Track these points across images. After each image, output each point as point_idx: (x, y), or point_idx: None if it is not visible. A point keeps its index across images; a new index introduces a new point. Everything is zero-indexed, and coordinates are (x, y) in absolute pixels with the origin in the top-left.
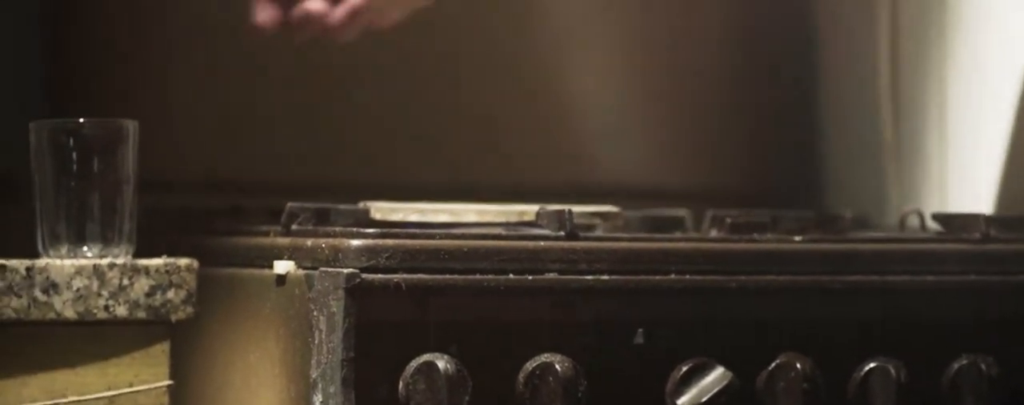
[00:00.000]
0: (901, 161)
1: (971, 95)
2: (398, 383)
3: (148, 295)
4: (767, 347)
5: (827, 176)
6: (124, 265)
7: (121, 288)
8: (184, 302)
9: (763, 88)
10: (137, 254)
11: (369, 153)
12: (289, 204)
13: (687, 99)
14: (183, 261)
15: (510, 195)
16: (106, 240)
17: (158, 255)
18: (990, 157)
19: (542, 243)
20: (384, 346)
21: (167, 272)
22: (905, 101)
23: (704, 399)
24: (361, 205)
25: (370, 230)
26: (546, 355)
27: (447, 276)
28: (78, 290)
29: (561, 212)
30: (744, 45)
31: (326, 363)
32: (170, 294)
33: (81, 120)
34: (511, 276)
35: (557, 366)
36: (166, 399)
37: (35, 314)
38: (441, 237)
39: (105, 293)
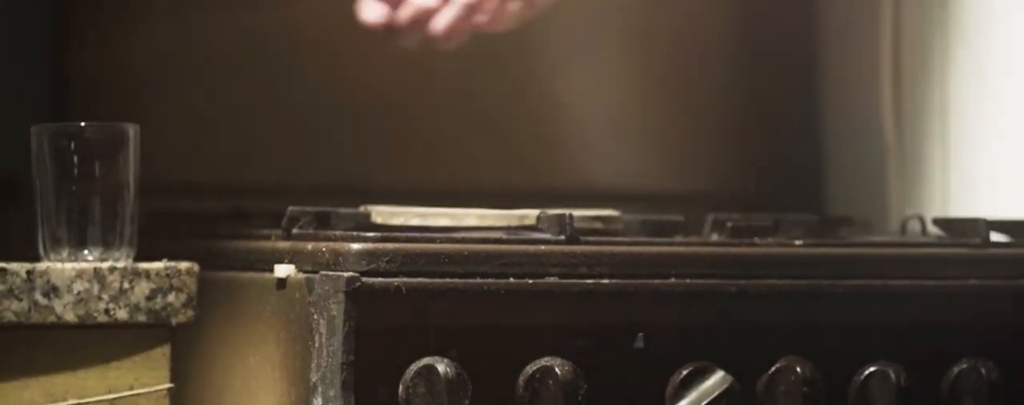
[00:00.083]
0: (903, 166)
1: (973, 100)
2: (398, 387)
3: (149, 298)
4: (767, 351)
5: (828, 180)
6: (125, 269)
7: (122, 291)
8: (185, 306)
9: (765, 93)
10: (138, 258)
11: (370, 157)
12: (290, 208)
13: (689, 104)
14: (184, 265)
15: (511, 199)
16: (107, 244)
17: (159, 259)
18: (992, 162)
19: (542, 247)
20: (384, 350)
21: (168, 276)
22: (907, 106)
23: (704, 403)
24: (362, 209)
25: (370, 234)
26: (546, 359)
27: (447, 280)
28: (79, 293)
29: (561, 216)
30: (746, 50)
31: (326, 367)
32: (171, 298)
33: (82, 124)
34: (511, 280)
35: (557, 370)
36: (166, 402)
37: (36, 317)
38: (441, 241)
39: (106, 296)
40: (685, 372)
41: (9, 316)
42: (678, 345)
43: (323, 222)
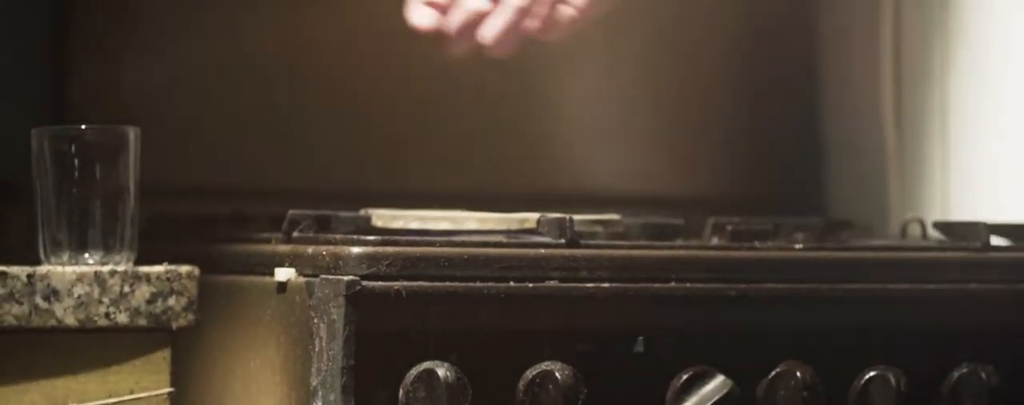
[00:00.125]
0: (903, 169)
1: (973, 101)
2: (398, 391)
3: (149, 302)
4: (768, 355)
5: (829, 184)
6: (125, 272)
7: (122, 295)
8: (185, 309)
9: (766, 96)
10: (139, 261)
11: (371, 161)
12: (290, 211)
13: (690, 107)
14: (184, 268)
15: (511, 203)
16: (107, 247)
17: (159, 262)
18: (992, 164)
19: (543, 251)
20: (384, 354)
21: (168, 279)
22: (907, 109)
23: None
24: (362, 212)
25: (371, 238)
26: (546, 363)
27: (447, 284)
28: (79, 297)
29: (562, 220)
30: (747, 53)
31: (326, 370)
32: (171, 301)
33: (82, 127)
34: (511, 284)
35: (557, 374)
36: None
37: (36, 321)
38: (441, 245)
39: (106, 300)
40: (685, 376)
41: (9, 320)
42: (678, 349)
43: (323, 226)
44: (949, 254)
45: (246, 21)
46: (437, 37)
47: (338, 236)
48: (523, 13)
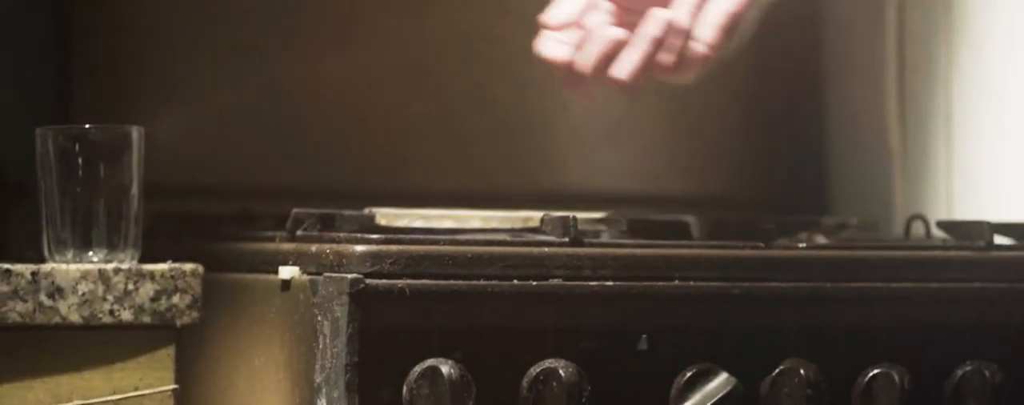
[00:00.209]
0: (907, 169)
1: (977, 103)
2: (402, 388)
3: (153, 300)
4: (771, 353)
5: (833, 183)
6: (129, 270)
7: (126, 293)
8: (189, 307)
9: (769, 95)
10: (143, 259)
11: (375, 160)
12: (294, 210)
13: (694, 106)
14: (188, 266)
15: (515, 201)
16: (112, 245)
17: (164, 260)
18: (996, 165)
19: (546, 249)
20: (388, 351)
21: (172, 277)
22: (911, 109)
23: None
24: (366, 211)
25: (374, 236)
26: (550, 361)
27: (451, 282)
28: (83, 295)
29: (565, 218)
30: (750, 52)
31: (330, 368)
32: (175, 299)
33: (87, 126)
34: (515, 282)
35: (561, 372)
36: (171, 403)
37: (40, 318)
38: (445, 243)
39: (110, 298)
40: (689, 374)
41: (14, 317)
42: (682, 347)
43: (327, 224)
44: (952, 253)
45: (251, 21)
46: (567, 76)
47: (342, 234)
48: (657, 45)
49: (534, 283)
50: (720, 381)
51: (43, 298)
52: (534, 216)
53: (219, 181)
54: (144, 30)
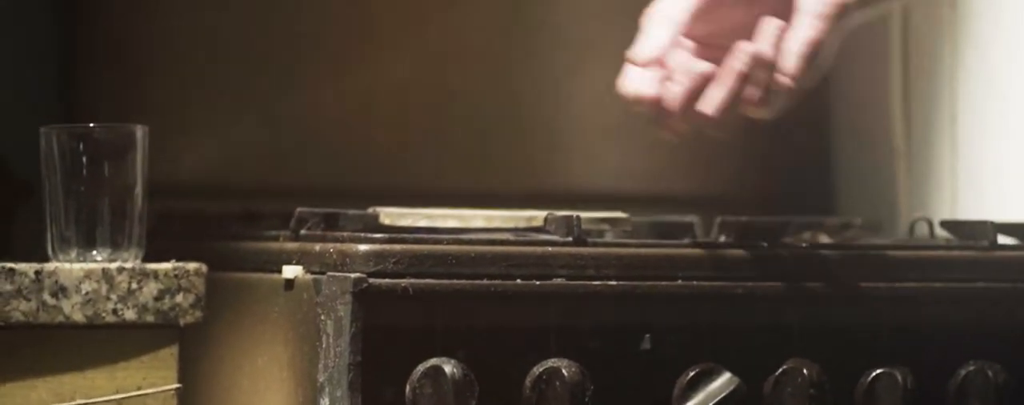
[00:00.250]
0: (912, 169)
1: (982, 103)
2: (405, 387)
3: (157, 299)
4: (774, 353)
5: (837, 183)
6: (133, 269)
7: (130, 292)
8: (193, 306)
9: None
10: (147, 258)
11: (379, 159)
12: (298, 209)
13: None
14: (192, 265)
15: (519, 201)
16: (115, 244)
17: (167, 260)
18: (1001, 165)
19: (550, 249)
20: (391, 350)
21: (176, 276)
22: (916, 108)
23: (711, 404)
24: (370, 210)
25: (378, 235)
26: (553, 360)
27: (454, 281)
28: (87, 294)
29: (569, 218)
30: None
31: (333, 367)
32: (179, 298)
33: (91, 125)
34: (519, 281)
35: (564, 371)
36: (174, 402)
37: (44, 317)
38: (449, 242)
39: (114, 297)
40: (692, 373)
41: (17, 316)
42: (685, 346)
43: (331, 223)
44: (956, 253)
45: (255, 20)
46: (651, 113)
47: (345, 234)
48: (744, 79)
49: (537, 282)
50: (723, 381)
51: (46, 297)
52: (538, 215)
53: (223, 180)
54: (148, 29)
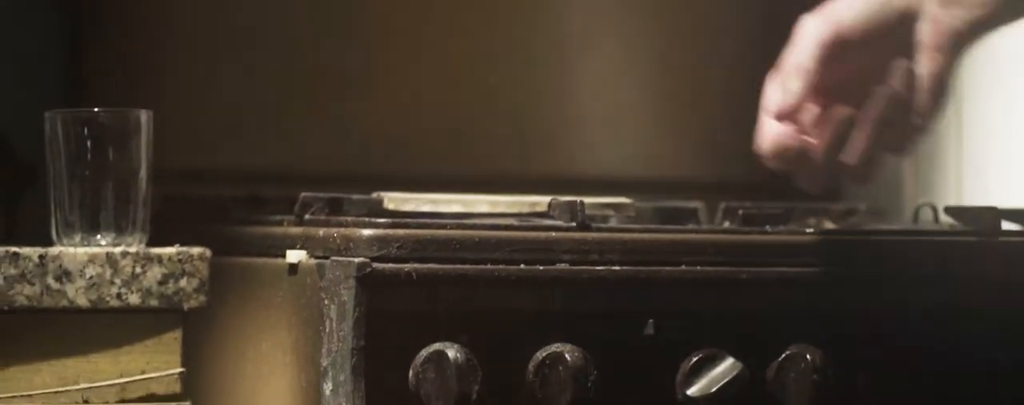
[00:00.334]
0: (917, 155)
1: (987, 90)
2: (408, 372)
3: (161, 283)
4: (777, 338)
5: None
6: (137, 253)
7: (134, 276)
8: (196, 290)
9: None
10: (152, 243)
11: (384, 144)
12: (302, 194)
13: (704, 91)
14: (196, 250)
15: (523, 186)
16: (119, 229)
17: (172, 244)
18: (1005, 152)
19: (553, 234)
20: (394, 335)
21: (180, 261)
22: None
23: (714, 389)
24: (374, 195)
25: (381, 220)
26: (556, 345)
27: (458, 266)
28: (91, 278)
29: (573, 203)
30: (760, 37)
31: (337, 351)
32: (183, 282)
33: (96, 109)
34: (522, 266)
35: (567, 356)
36: (178, 386)
37: (48, 301)
38: (452, 227)
39: (118, 281)
40: (695, 359)
41: (21, 300)
42: (688, 332)
43: (335, 208)
44: (960, 239)
45: (258, 5)
46: (795, 163)
47: (349, 218)
48: (884, 124)
49: (541, 267)
50: (726, 366)
51: (51, 281)
52: (541, 201)
53: (227, 165)
54: (153, 14)
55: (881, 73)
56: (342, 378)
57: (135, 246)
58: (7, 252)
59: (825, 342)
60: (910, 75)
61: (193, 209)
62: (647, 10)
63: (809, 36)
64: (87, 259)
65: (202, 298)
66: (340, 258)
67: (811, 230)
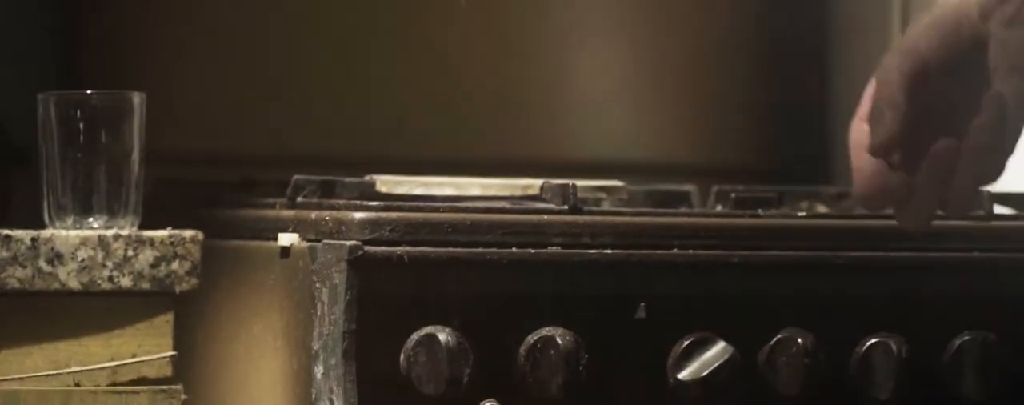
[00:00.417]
0: None
1: None
2: (399, 355)
3: (153, 266)
4: (769, 322)
5: (836, 152)
6: (129, 236)
7: (126, 259)
8: (188, 273)
9: (774, 65)
10: (144, 225)
11: (377, 127)
12: (295, 176)
13: (697, 75)
14: (188, 233)
15: (516, 169)
16: (112, 211)
17: (164, 227)
18: None
19: (545, 217)
20: (386, 318)
21: (172, 243)
22: None
23: (705, 373)
24: (366, 178)
25: (373, 203)
26: (548, 328)
27: (450, 249)
28: (83, 261)
29: (565, 186)
30: (754, 19)
31: (328, 335)
32: (174, 265)
33: (88, 92)
34: (514, 249)
35: (558, 339)
36: (169, 370)
37: (39, 284)
38: (444, 210)
39: (110, 264)
40: (686, 342)
41: (13, 283)
42: (680, 315)
43: (327, 191)
44: (952, 222)
45: None
46: (898, 202)
47: (341, 201)
48: (983, 153)
49: (533, 251)
50: (718, 349)
51: (42, 264)
52: (534, 184)
53: (220, 148)
54: None
55: (964, 102)
56: (333, 361)
57: (127, 229)
58: None
59: (817, 326)
60: (999, 101)
61: (185, 192)
62: None
63: (892, 70)
64: (79, 242)
65: (194, 281)
66: (332, 241)
67: (803, 214)
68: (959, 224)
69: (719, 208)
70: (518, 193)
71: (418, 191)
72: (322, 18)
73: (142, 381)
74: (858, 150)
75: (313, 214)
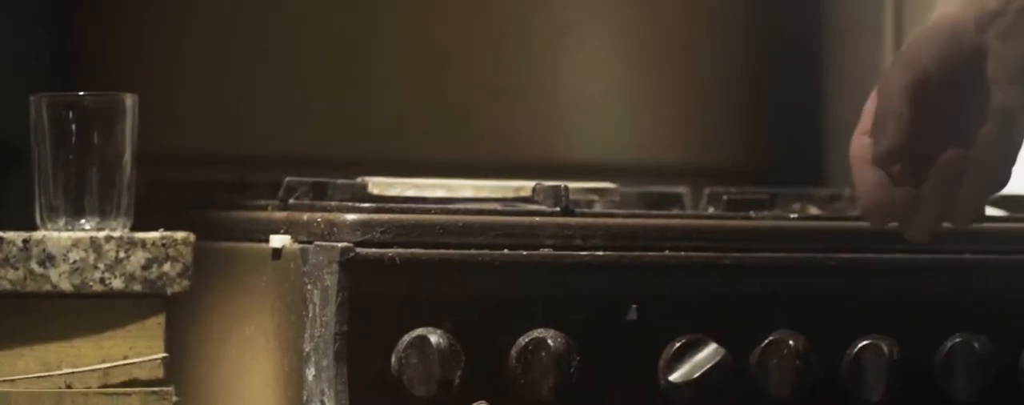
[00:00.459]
0: None
1: None
2: (391, 357)
3: (144, 268)
4: (760, 324)
5: (829, 155)
6: (121, 238)
7: (117, 261)
8: (180, 275)
9: (767, 67)
10: (136, 227)
11: (369, 129)
12: (286, 178)
13: (688, 76)
14: (180, 234)
15: (508, 171)
16: (104, 213)
17: (156, 229)
18: None
19: (537, 219)
20: (377, 320)
21: (164, 245)
22: None
23: (697, 375)
24: (358, 180)
25: (365, 205)
26: (539, 330)
27: (441, 251)
28: (74, 262)
29: (557, 188)
30: (747, 21)
31: (319, 337)
32: (166, 267)
33: (81, 93)
34: (506, 251)
35: (550, 341)
36: (161, 371)
37: (31, 286)
38: (436, 212)
39: (101, 266)
40: (678, 344)
41: (4, 285)
42: (671, 317)
43: (319, 193)
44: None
45: None
46: (904, 214)
47: (333, 203)
48: (989, 164)
49: (524, 252)
50: (709, 351)
51: (34, 266)
52: (526, 185)
53: (212, 149)
54: None
55: (965, 111)
56: (325, 363)
57: (119, 231)
58: None
59: (808, 328)
60: (1006, 110)
61: (177, 194)
62: None
63: (894, 81)
64: (71, 243)
65: (186, 283)
66: (323, 243)
67: (795, 216)
68: (949, 227)
69: (711, 210)
70: (510, 195)
71: (410, 193)
72: (320, 19)
73: (134, 383)
74: (860, 164)
75: (305, 216)
